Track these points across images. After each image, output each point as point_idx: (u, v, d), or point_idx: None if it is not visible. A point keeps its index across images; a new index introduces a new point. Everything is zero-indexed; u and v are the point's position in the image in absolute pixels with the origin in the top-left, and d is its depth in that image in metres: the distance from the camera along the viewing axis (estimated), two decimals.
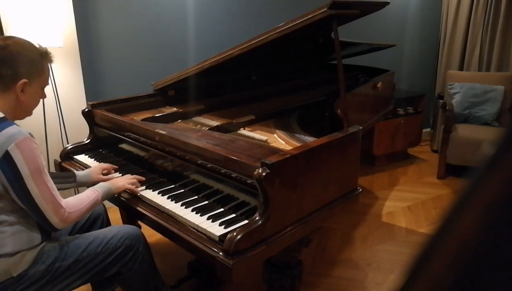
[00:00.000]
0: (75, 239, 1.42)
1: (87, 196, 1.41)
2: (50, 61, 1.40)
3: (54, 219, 1.26)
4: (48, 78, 1.41)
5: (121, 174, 1.72)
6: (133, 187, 1.56)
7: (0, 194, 1.23)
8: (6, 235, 1.26)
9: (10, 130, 1.20)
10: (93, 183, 1.62)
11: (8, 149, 1.17)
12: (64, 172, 1.79)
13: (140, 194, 1.56)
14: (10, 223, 1.26)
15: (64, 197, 1.34)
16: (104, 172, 1.71)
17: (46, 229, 1.33)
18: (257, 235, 1.21)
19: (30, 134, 1.24)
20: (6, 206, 1.25)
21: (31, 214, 1.26)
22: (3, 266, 1.25)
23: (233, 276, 1.14)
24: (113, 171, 1.76)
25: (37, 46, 1.37)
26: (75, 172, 1.71)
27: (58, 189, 1.62)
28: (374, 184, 3.45)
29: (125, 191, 1.57)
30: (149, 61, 2.97)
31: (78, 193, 2.66)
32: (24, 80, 1.29)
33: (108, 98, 2.10)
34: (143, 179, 1.63)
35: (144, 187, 1.59)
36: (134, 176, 1.62)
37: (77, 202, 1.36)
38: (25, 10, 2.31)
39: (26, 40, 1.34)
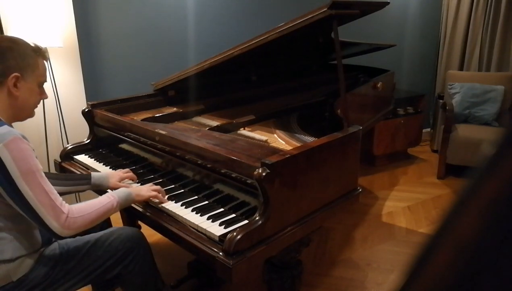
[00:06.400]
0: (75, 242, 1.40)
1: (99, 201, 1.31)
2: (44, 57, 1.35)
3: (54, 224, 1.18)
4: (44, 75, 1.36)
5: (139, 184, 1.63)
6: (158, 195, 1.44)
7: None
8: (5, 241, 1.23)
9: None
10: (109, 188, 1.56)
11: None
12: (80, 174, 1.72)
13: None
14: (9, 228, 1.23)
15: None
16: (122, 181, 1.61)
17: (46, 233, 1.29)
18: (257, 235, 1.21)
19: (23, 136, 1.19)
20: (3, 211, 1.21)
21: (30, 219, 1.20)
22: (2, 271, 1.22)
23: (233, 276, 1.14)
24: (132, 181, 1.65)
25: (31, 44, 1.33)
26: (91, 172, 1.62)
27: (72, 192, 1.56)
28: (374, 184, 3.45)
29: (146, 200, 1.45)
30: (149, 61, 2.97)
31: (80, 199, 2.67)
32: (15, 74, 1.24)
33: (108, 98, 2.10)
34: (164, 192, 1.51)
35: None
36: (158, 187, 1.50)
37: (85, 207, 1.27)
38: (25, 10, 2.31)
39: (17, 37, 1.32)
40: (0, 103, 1.25)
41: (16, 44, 1.28)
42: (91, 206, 1.29)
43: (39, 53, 1.33)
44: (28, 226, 1.27)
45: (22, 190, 1.15)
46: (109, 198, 1.34)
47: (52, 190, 1.22)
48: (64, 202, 1.24)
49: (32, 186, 1.16)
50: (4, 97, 1.26)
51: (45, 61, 1.36)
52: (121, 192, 1.40)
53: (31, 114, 1.37)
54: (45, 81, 1.37)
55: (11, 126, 1.24)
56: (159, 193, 1.47)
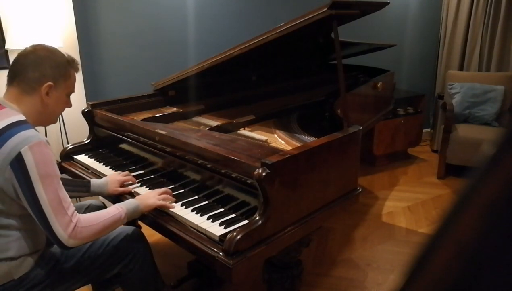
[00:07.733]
0: None
1: (108, 212, 1.31)
2: (76, 69, 1.40)
3: (60, 232, 1.17)
4: (73, 86, 1.41)
5: (139, 184, 1.64)
6: (165, 203, 1.43)
7: (11, 198, 1.20)
8: (11, 239, 1.24)
9: (26, 133, 1.19)
10: (108, 195, 1.60)
11: (21, 150, 1.15)
12: (79, 180, 1.70)
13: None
14: (17, 227, 1.25)
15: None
16: (122, 184, 1.62)
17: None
18: (257, 235, 1.21)
19: (47, 141, 1.22)
20: (15, 210, 1.23)
21: (39, 223, 1.20)
22: (4, 269, 1.24)
23: (233, 276, 1.14)
24: (132, 182, 1.64)
25: (66, 55, 1.38)
26: (91, 180, 1.63)
27: (70, 196, 1.58)
28: (374, 184, 3.45)
29: (155, 208, 1.43)
30: (149, 61, 2.97)
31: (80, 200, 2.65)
32: (49, 83, 1.29)
33: (108, 98, 2.10)
34: (171, 193, 1.50)
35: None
36: (164, 189, 1.49)
37: (93, 217, 1.26)
38: (25, 10, 2.31)
39: (54, 47, 1.37)
40: (30, 108, 1.30)
41: (52, 54, 1.33)
42: (98, 216, 1.28)
43: (72, 65, 1.38)
44: (35, 226, 1.27)
45: (37, 193, 1.16)
46: (117, 209, 1.33)
47: (66, 199, 1.22)
48: (76, 212, 1.23)
49: (48, 191, 1.17)
50: (36, 103, 1.30)
51: (75, 73, 1.41)
52: (130, 204, 1.39)
53: (55, 121, 1.42)
54: (73, 92, 1.42)
55: (36, 130, 1.26)
56: (166, 194, 1.46)
